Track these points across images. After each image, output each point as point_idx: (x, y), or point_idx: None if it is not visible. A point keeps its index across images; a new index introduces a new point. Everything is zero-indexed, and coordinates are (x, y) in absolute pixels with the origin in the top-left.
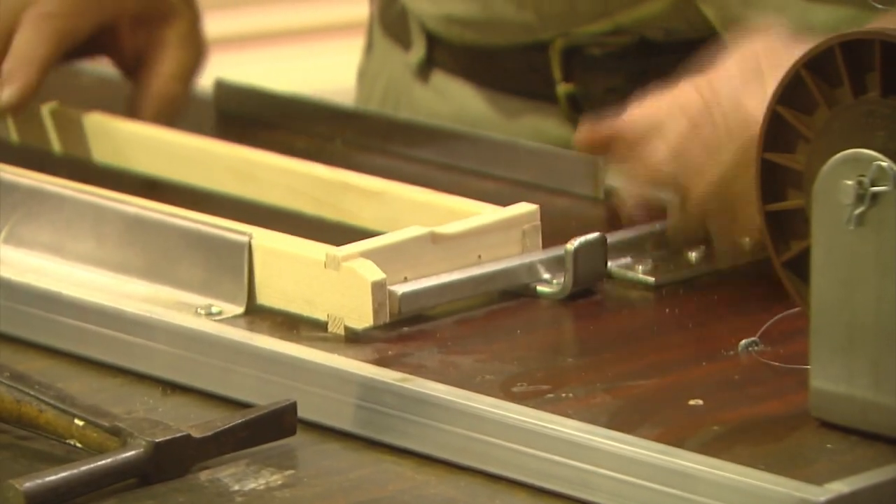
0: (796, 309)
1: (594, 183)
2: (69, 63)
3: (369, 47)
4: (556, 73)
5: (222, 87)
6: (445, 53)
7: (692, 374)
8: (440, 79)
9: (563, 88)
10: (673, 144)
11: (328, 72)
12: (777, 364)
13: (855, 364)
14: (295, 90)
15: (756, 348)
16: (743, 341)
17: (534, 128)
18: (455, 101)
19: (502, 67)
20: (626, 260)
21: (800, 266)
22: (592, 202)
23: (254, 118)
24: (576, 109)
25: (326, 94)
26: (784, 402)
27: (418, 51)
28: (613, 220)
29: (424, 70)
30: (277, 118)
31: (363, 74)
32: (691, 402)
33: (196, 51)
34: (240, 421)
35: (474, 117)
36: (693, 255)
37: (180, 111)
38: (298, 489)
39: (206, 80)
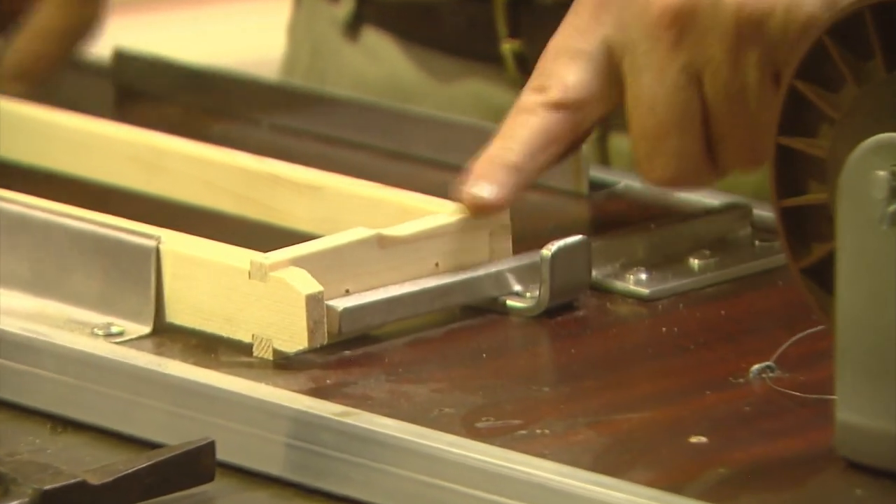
0: (820, 327)
1: (576, 174)
2: None
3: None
4: (501, 27)
5: (122, 58)
6: (376, 7)
7: (694, 405)
8: (371, 37)
9: (508, 46)
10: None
11: (252, 38)
12: (796, 393)
13: (889, 393)
14: (212, 61)
15: (771, 374)
16: (755, 366)
17: (475, 94)
18: (386, 63)
19: (439, 23)
20: (615, 268)
21: (822, 274)
22: (574, 198)
23: (162, 96)
24: (525, 71)
25: (250, 65)
26: (804, 440)
27: (346, 4)
28: (599, 220)
29: (353, 27)
30: (190, 96)
31: (292, 30)
32: (693, 440)
33: (83, 9)
34: (146, 464)
35: (408, 83)
36: (696, 262)
37: (48, 74)
38: None
39: (103, 49)
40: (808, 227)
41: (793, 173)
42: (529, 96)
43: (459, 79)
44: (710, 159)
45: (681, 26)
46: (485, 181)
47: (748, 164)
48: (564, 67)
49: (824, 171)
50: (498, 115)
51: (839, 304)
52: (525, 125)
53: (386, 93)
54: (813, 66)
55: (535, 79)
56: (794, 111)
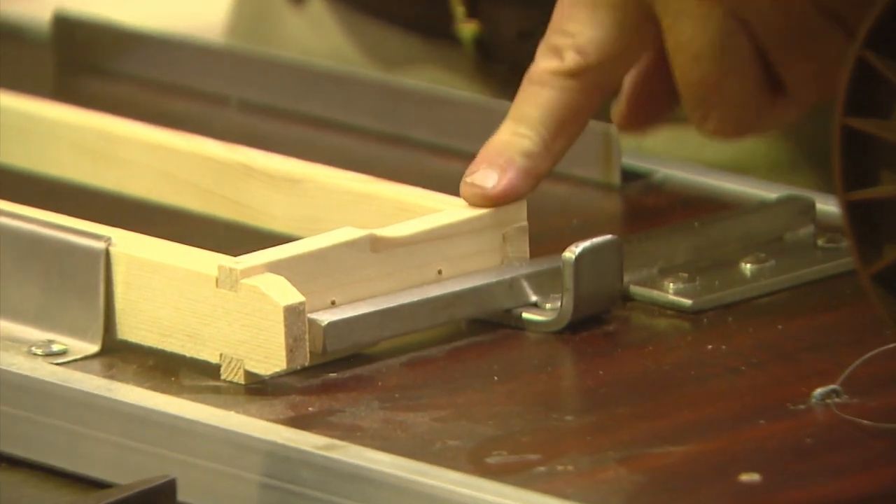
0: (894, 344)
1: (605, 162)
2: None
3: None
4: (457, 6)
5: (64, 24)
6: None
7: (745, 436)
8: (316, 4)
9: (467, 28)
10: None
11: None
12: (866, 422)
13: None
14: (170, 26)
15: (836, 400)
16: (818, 390)
17: (431, 81)
18: (330, 36)
19: None
20: (651, 273)
21: None
22: (603, 190)
23: (112, 69)
24: (487, 57)
25: (216, 31)
26: (875, 477)
27: None
28: (633, 216)
29: None
30: (146, 69)
31: None
32: (744, 478)
33: None
34: None
35: (352, 61)
36: (748, 267)
37: None
38: None
39: (40, 13)
40: (880, 225)
41: (862, 161)
42: (542, 62)
43: (412, 62)
44: (773, 97)
45: None
46: (491, 169)
47: (820, 91)
48: (583, 21)
49: None
50: None
51: None
52: (538, 102)
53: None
54: (885, 34)
55: (548, 37)
56: (862, 87)
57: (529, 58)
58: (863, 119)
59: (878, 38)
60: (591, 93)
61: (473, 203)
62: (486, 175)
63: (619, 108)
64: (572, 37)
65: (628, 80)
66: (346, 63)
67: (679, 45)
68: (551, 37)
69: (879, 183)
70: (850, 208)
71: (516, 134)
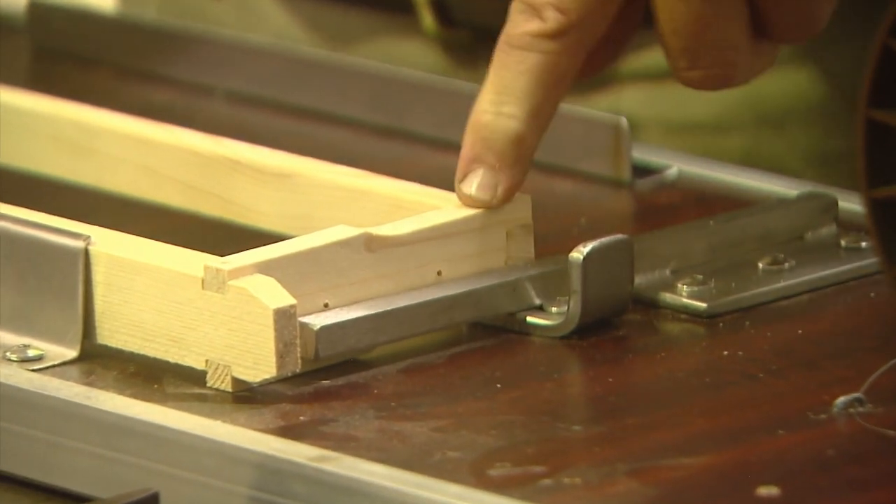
0: None
1: (615, 156)
2: None
3: None
4: None
5: (40, 10)
6: None
7: (763, 448)
8: None
9: None
10: None
11: None
12: (891, 433)
13: None
14: (151, 13)
15: (860, 409)
16: (841, 399)
17: (385, 54)
18: (257, 15)
19: None
20: (664, 275)
21: None
22: (612, 187)
23: (91, 58)
24: (447, 23)
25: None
26: None
27: None
28: (645, 215)
29: None
30: (126, 57)
31: None
32: (762, 491)
33: None
34: None
35: (299, 41)
36: (766, 268)
37: None
38: None
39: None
40: None
41: (887, 156)
42: (520, 24)
43: (362, 36)
44: (755, 39)
45: None
46: (483, 170)
47: (805, 31)
48: None
49: None
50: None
51: None
52: (522, 69)
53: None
54: None
55: None
56: (887, 78)
57: (494, 17)
58: (888, 111)
59: None
60: (575, 52)
61: (472, 207)
62: (483, 183)
63: None
64: None
65: None
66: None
67: None
68: None
69: None
70: (875, 206)
71: (501, 115)
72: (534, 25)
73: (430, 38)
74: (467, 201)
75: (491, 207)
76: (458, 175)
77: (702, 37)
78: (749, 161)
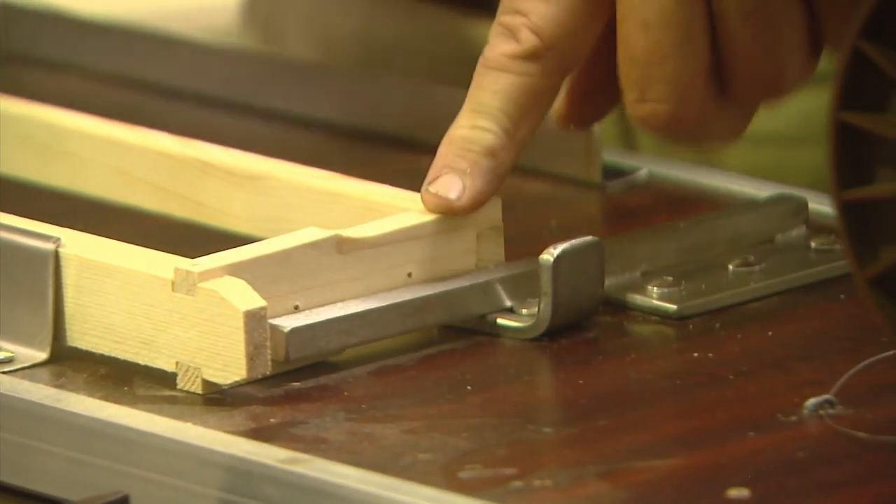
0: (891, 352)
1: (586, 158)
2: None
3: None
4: None
5: (8, 12)
6: None
7: (733, 449)
8: None
9: None
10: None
11: None
12: (861, 434)
13: None
14: (123, 14)
15: (830, 411)
16: (811, 400)
17: (460, 51)
18: (356, 13)
19: None
20: (634, 277)
21: (894, 284)
22: (583, 188)
23: (61, 60)
24: None
25: (170, 18)
26: (871, 492)
27: None
28: (615, 217)
29: None
30: (96, 60)
31: None
32: (732, 493)
33: None
34: None
35: (386, 38)
36: (736, 270)
37: None
38: None
39: None
40: (876, 226)
41: (857, 158)
42: (497, 45)
43: (444, 31)
44: (716, 92)
45: None
46: (453, 174)
47: (767, 94)
48: None
49: None
50: None
51: None
52: (496, 89)
53: (359, 53)
54: (881, 22)
55: (500, 16)
56: (857, 79)
57: None
58: (858, 113)
59: (875, 28)
60: (551, 75)
61: (437, 213)
62: (450, 183)
63: (559, 101)
64: (526, 15)
65: (571, 75)
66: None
67: (630, 10)
68: (503, 16)
69: (876, 181)
70: (845, 208)
71: (477, 128)
72: (509, 47)
73: None
74: (431, 200)
75: (454, 210)
76: (427, 179)
77: (657, 67)
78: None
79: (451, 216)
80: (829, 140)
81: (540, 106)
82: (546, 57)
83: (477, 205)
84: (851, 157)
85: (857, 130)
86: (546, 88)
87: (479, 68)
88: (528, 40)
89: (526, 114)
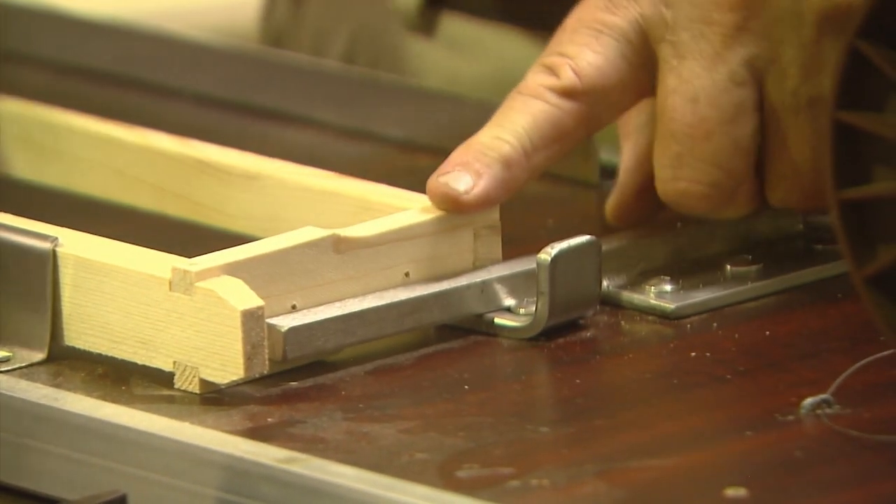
0: (889, 351)
1: (583, 158)
2: None
3: None
4: None
5: (5, 12)
6: None
7: (730, 449)
8: (453, 24)
9: None
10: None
11: None
12: (858, 434)
13: None
14: (119, 13)
15: (828, 410)
16: (808, 400)
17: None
18: (485, 52)
19: None
20: (632, 276)
21: (892, 283)
22: (580, 188)
23: (53, 59)
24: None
25: (167, 17)
26: (868, 492)
27: None
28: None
29: (425, 13)
30: (91, 58)
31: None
32: (729, 493)
33: None
34: None
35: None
36: (733, 270)
37: None
38: None
39: None
40: (874, 225)
41: (855, 157)
42: (536, 76)
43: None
44: (752, 181)
45: (747, 8)
46: (465, 171)
47: (801, 201)
48: (584, 44)
49: (894, 153)
50: None
51: None
52: (526, 112)
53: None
54: (880, 22)
55: (546, 55)
56: (856, 79)
57: None
58: (856, 113)
59: (873, 28)
60: (579, 118)
61: (441, 205)
62: (461, 177)
63: (612, 199)
64: (571, 58)
65: (622, 167)
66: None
67: (680, 83)
68: (548, 58)
69: (873, 180)
70: (843, 207)
71: (498, 138)
72: (549, 80)
73: None
74: (438, 189)
75: (459, 204)
76: (438, 171)
77: (699, 144)
78: None
79: (452, 212)
80: (827, 139)
81: (561, 142)
82: (581, 99)
83: (483, 204)
84: (849, 156)
85: (854, 130)
86: (571, 129)
87: (512, 94)
88: (568, 78)
89: (547, 143)
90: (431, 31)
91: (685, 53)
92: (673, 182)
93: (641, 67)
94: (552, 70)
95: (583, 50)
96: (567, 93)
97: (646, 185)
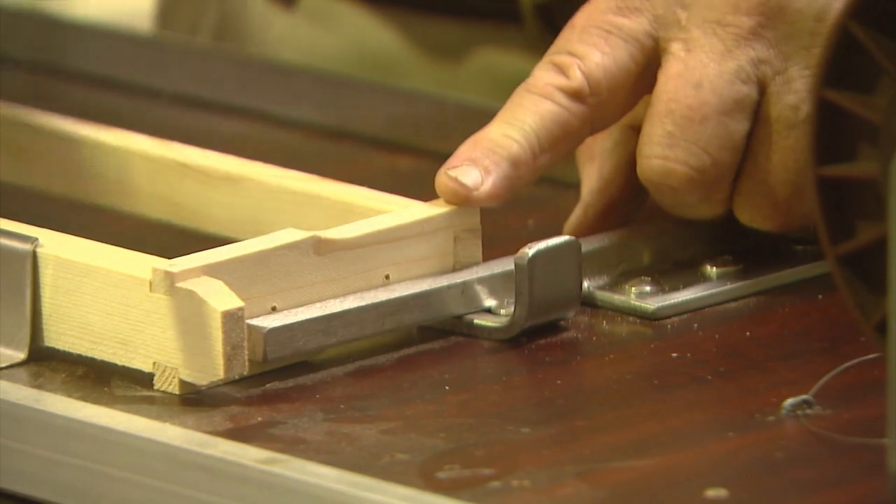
0: (872, 355)
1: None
2: None
3: None
4: None
5: None
6: None
7: (711, 450)
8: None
9: None
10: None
11: None
12: (838, 436)
13: None
14: (98, 15)
15: (808, 411)
16: (788, 401)
17: (484, 65)
18: (346, 29)
19: None
20: (612, 277)
21: (867, 265)
22: (560, 188)
23: (35, 61)
24: (551, 30)
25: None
26: (848, 493)
27: None
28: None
29: None
30: (67, 59)
31: None
32: (710, 493)
33: None
34: None
35: (383, 54)
36: (714, 270)
37: None
38: None
39: None
40: (851, 203)
41: (837, 134)
42: (545, 75)
43: (460, 46)
44: (731, 184)
45: (762, 16)
46: (474, 167)
47: (765, 218)
48: (594, 45)
49: (877, 136)
50: (508, 89)
51: (892, 308)
52: (535, 111)
53: (351, 68)
54: (872, 4)
55: (554, 53)
56: (844, 59)
57: None
58: (841, 92)
59: (866, 10)
60: (586, 120)
61: (449, 198)
62: (470, 172)
63: (574, 217)
64: (580, 58)
65: (587, 187)
66: (369, 58)
67: (686, 69)
68: (555, 56)
69: (856, 159)
70: (821, 183)
71: (507, 137)
72: (558, 79)
73: (534, 46)
74: (447, 183)
75: (468, 199)
76: (447, 164)
77: (694, 126)
78: None
79: (459, 206)
80: (811, 116)
81: (565, 144)
82: (588, 102)
83: (491, 200)
84: (833, 134)
85: (838, 109)
86: (576, 130)
87: (520, 90)
88: (578, 79)
89: (553, 145)
90: (293, 4)
91: (694, 47)
92: (661, 160)
93: (648, 69)
94: (561, 69)
95: (592, 51)
96: (575, 94)
97: (611, 206)
